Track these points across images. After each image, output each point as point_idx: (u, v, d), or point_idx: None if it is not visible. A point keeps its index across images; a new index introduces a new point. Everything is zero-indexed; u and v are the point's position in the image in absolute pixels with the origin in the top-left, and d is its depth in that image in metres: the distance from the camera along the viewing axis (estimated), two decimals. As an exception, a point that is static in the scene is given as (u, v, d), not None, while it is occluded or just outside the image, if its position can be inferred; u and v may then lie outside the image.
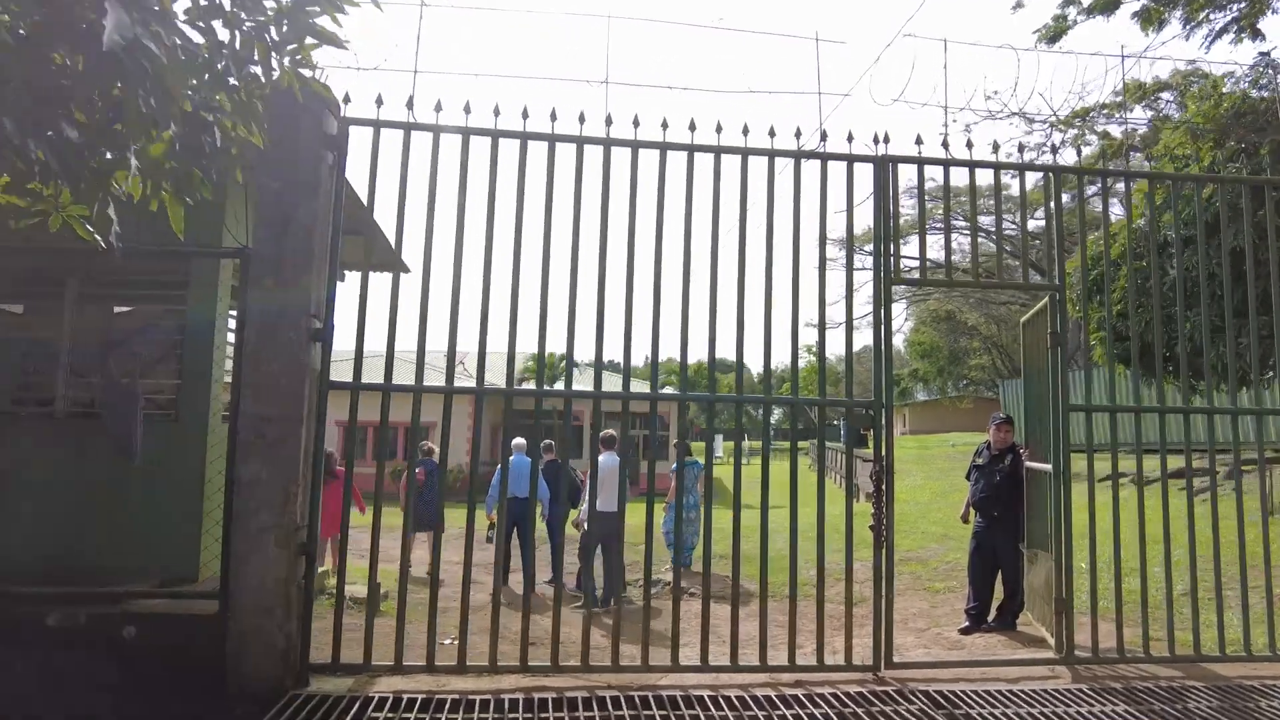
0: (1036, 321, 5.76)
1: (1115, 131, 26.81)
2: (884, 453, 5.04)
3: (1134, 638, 5.14)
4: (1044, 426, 5.53)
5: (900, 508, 15.81)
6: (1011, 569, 6.56)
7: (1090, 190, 27.83)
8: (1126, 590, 5.09)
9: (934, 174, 5.25)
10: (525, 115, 4.70)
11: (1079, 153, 6.73)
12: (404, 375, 4.83)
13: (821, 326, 5.25)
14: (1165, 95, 26.21)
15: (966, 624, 6.72)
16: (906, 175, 11.49)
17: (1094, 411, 5.05)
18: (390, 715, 3.94)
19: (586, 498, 7.92)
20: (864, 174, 5.09)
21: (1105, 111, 26.94)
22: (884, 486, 5.00)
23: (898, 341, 53.62)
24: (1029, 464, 6.08)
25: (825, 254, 5.00)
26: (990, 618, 6.70)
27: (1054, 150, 5.25)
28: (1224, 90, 13.92)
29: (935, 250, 40.04)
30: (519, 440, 10.73)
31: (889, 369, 5.02)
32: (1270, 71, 13.44)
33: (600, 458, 8.67)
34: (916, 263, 35.10)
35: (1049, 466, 5.24)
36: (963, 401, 49.75)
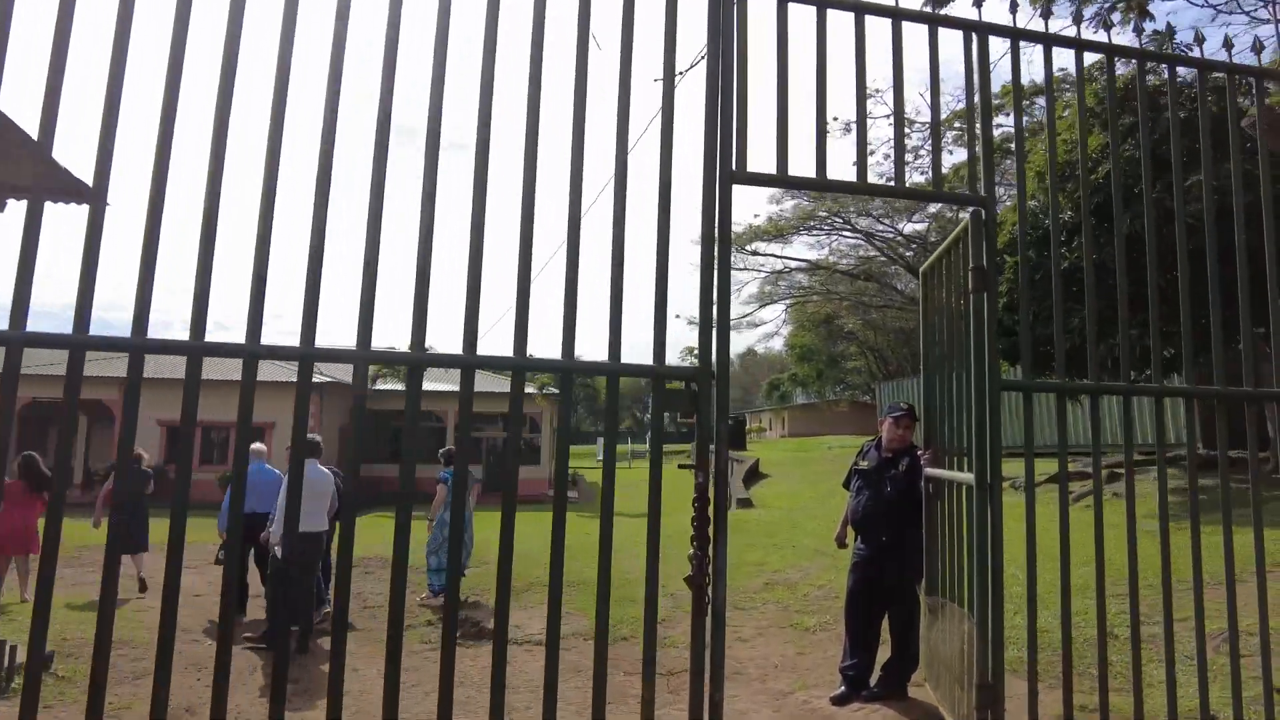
0: (944, 265, 3.93)
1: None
2: (716, 456, 3.02)
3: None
4: (957, 417, 3.70)
5: (772, 515, 14.23)
6: (904, 618, 4.74)
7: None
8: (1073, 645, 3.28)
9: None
10: None
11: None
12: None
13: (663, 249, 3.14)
14: (1040, 100, 26.05)
15: (841, 689, 4.85)
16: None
17: (1037, 391, 3.21)
18: None
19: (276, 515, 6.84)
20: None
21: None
22: (711, 513, 3.00)
23: (777, 344, 53.20)
24: (930, 472, 4.25)
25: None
26: (873, 681, 4.85)
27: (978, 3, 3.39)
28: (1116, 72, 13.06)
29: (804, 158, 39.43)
30: (258, 446, 9.13)
31: (724, 319, 3.00)
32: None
33: (313, 468, 7.27)
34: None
35: (965, 476, 3.40)
36: (839, 404, 49.64)
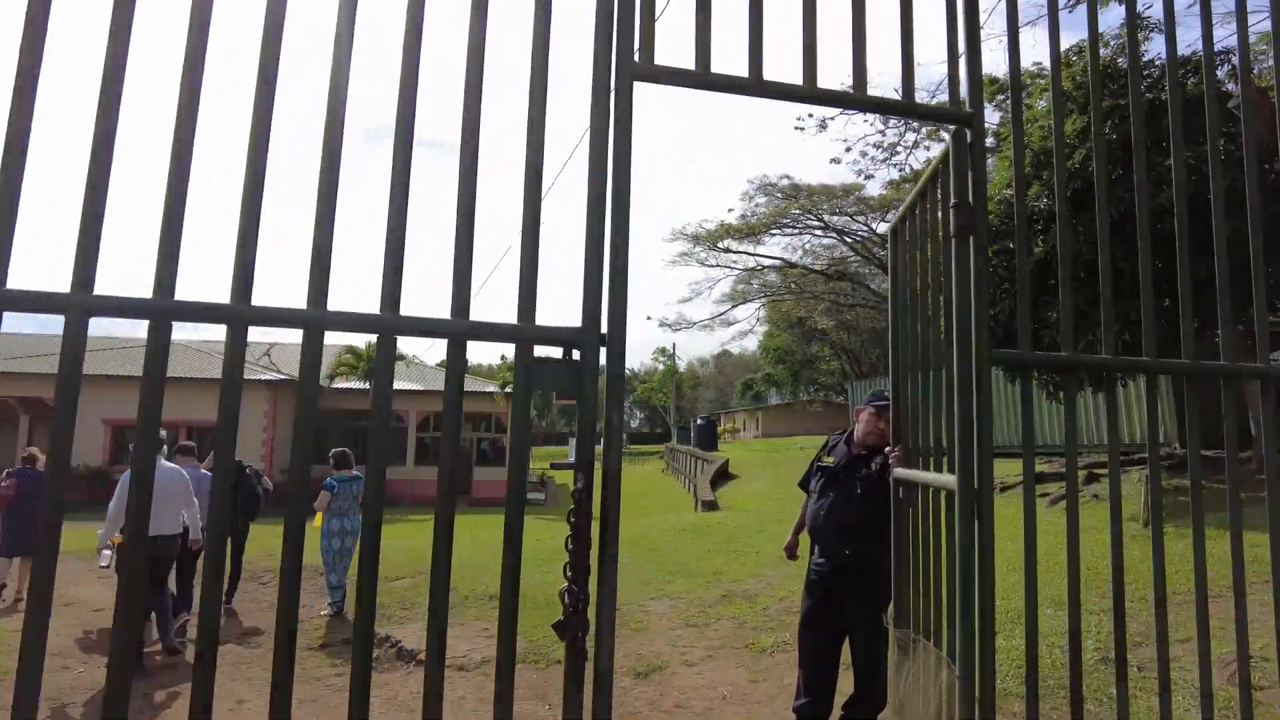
0: (919, 214, 3.12)
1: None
2: (609, 451, 2.19)
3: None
4: (934, 404, 2.89)
5: (737, 518, 13.45)
6: (869, 650, 3.94)
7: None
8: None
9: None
10: None
11: None
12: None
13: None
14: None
15: (795, 732, 4.05)
16: None
17: (1036, 366, 2.40)
18: None
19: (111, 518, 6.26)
20: None
21: (955, 108, 26.02)
22: (597, 533, 2.16)
23: (750, 344, 52.61)
24: (900, 473, 3.44)
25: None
26: (834, 722, 4.05)
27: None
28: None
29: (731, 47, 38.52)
30: (185, 443, 8.38)
31: (621, 262, 2.14)
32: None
33: (160, 466, 6.49)
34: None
35: (945, 478, 2.59)
36: (813, 405, 49.11)
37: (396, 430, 26.29)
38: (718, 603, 7.39)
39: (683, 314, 33.45)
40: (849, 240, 33.59)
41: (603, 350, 2.09)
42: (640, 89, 2.15)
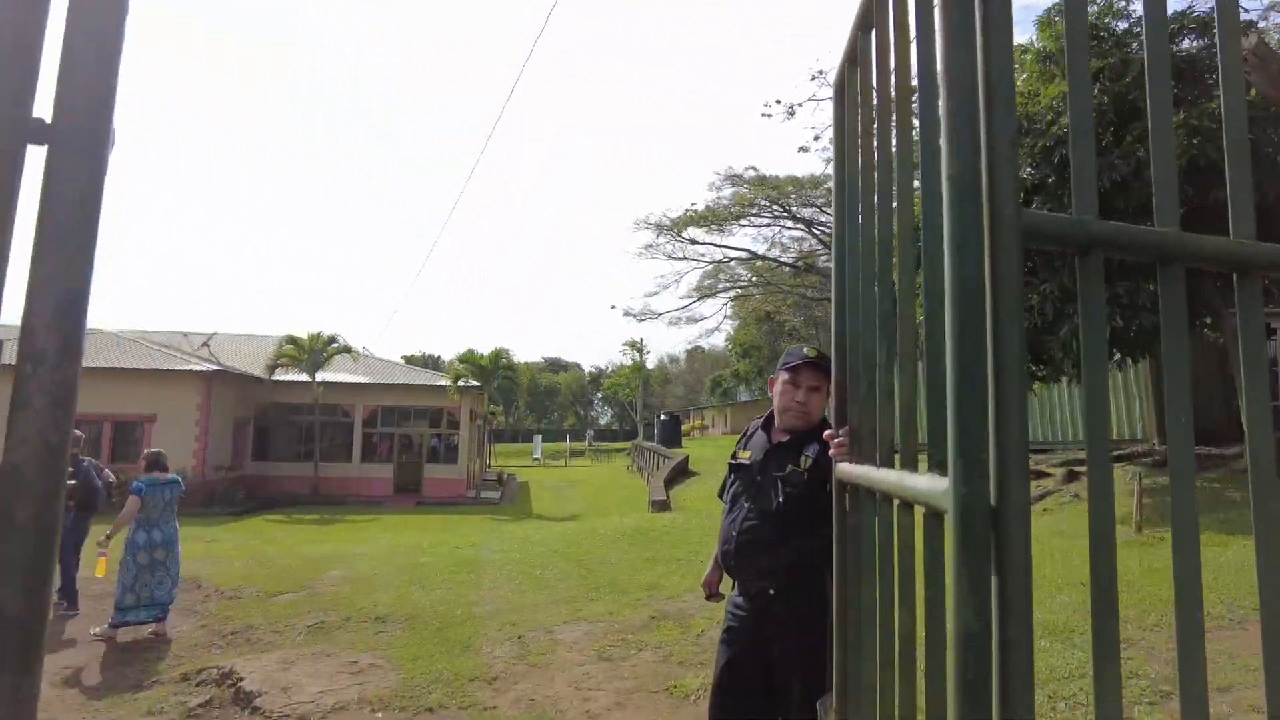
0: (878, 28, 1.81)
1: None
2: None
3: None
4: (902, 354, 1.56)
5: (686, 520, 12.17)
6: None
7: None
8: None
9: None
10: None
11: None
12: None
13: None
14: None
15: None
16: None
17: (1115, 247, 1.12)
18: None
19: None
20: None
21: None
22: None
23: (718, 340, 51.50)
24: (845, 470, 2.11)
25: None
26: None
27: None
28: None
29: None
30: None
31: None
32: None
33: None
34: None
35: (923, 482, 1.29)
36: (782, 402, 48.28)
37: (342, 425, 24.75)
38: (643, 627, 6.10)
39: (649, 306, 31.87)
40: (817, 233, 32.46)
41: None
42: None
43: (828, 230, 32.79)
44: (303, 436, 24.37)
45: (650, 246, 31.08)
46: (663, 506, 13.00)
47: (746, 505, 2.82)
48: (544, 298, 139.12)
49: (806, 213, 31.99)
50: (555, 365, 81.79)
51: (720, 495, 3.20)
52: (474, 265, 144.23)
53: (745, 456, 2.93)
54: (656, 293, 32.02)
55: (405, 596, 7.19)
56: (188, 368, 21.06)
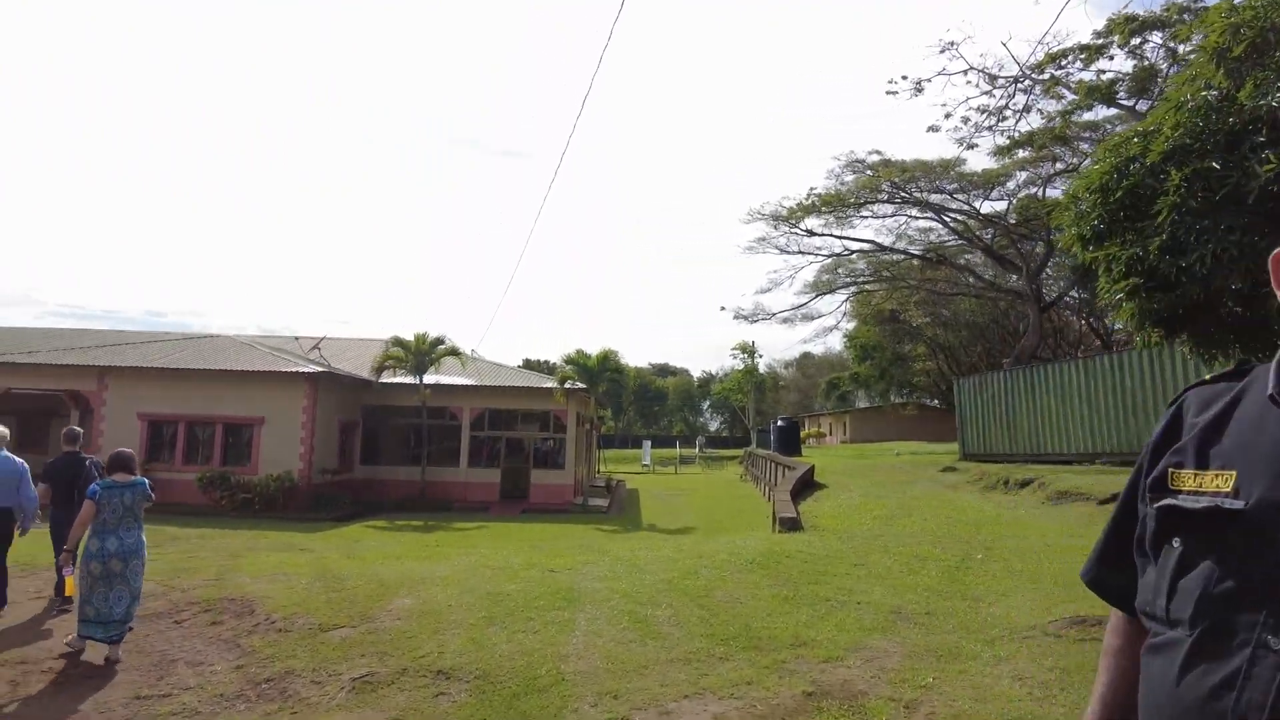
0: None
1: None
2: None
3: None
4: None
5: (826, 544, 10.14)
6: None
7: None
8: None
9: None
10: None
11: None
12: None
13: None
14: (1155, 37, 21.29)
15: None
16: None
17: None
18: None
19: None
20: None
21: (1083, 56, 21.93)
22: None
23: (834, 342, 48.66)
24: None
25: None
26: None
27: None
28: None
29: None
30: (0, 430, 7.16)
31: None
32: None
33: None
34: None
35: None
36: (907, 408, 44.78)
37: (449, 428, 23.90)
38: (798, 711, 4.25)
39: (761, 305, 29.65)
40: (948, 220, 29.51)
41: None
42: None
43: (959, 217, 29.79)
44: (410, 439, 23.66)
45: (763, 240, 28.95)
46: (792, 525, 11.04)
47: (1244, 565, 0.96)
48: (651, 302, 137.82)
49: (935, 200, 29.10)
50: (663, 370, 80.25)
51: (1092, 580, 1.32)
52: (579, 269, 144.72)
53: (1223, 485, 1.05)
54: (769, 289, 29.62)
55: (479, 640, 5.61)
56: (294, 369, 20.60)
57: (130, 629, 6.08)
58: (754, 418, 45.53)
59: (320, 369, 20.86)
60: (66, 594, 6.45)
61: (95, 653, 5.91)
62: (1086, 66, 20.97)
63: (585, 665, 5.04)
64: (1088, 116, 22.92)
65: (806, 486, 16.12)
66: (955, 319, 39.90)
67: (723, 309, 28.25)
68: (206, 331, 33.61)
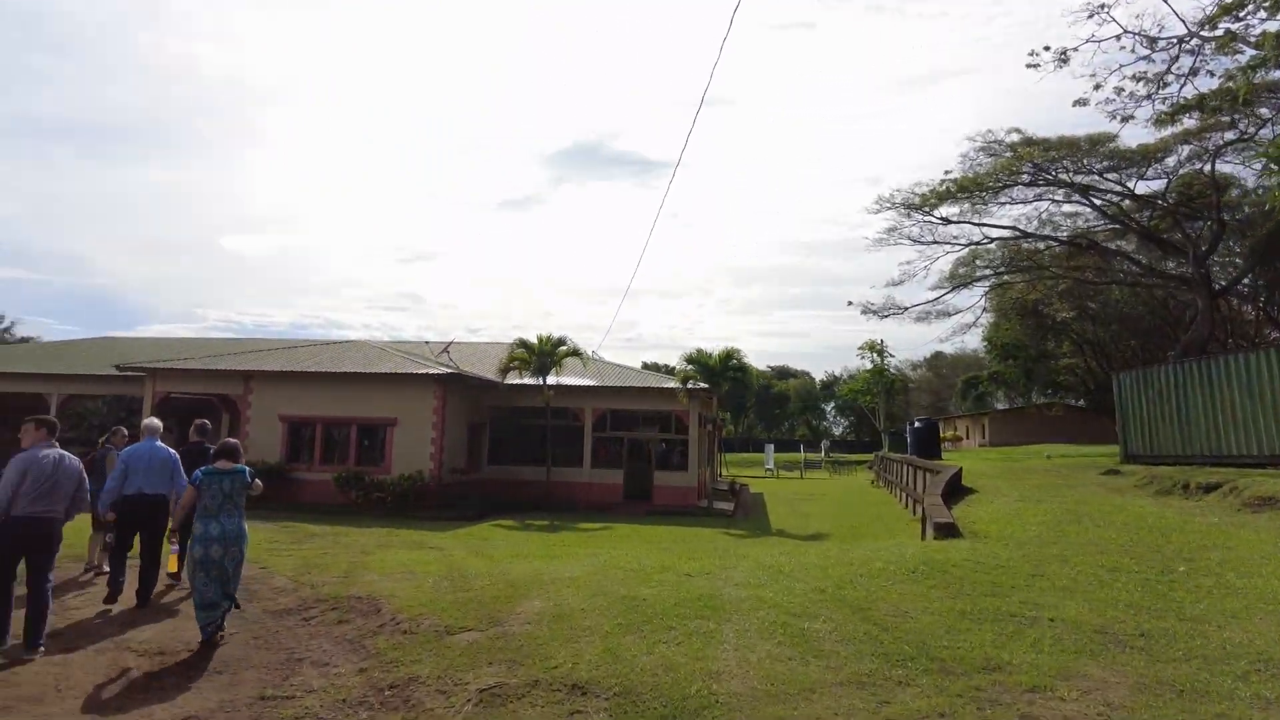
0: None
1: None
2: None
3: None
4: None
5: (994, 551, 8.91)
6: None
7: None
8: None
9: None
10: None
11: None
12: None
13: None
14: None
15: None
16: None
17: None
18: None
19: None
20: None
21: (1267, 4, 19.37)
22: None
23: (972, 340, 45.83)
24: None
25: None
26: None
27: None
28: None
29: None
30: (151, 421, 7.73)
31: None
32: None
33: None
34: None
35: None
36: (1053, 409, 41.49)
37: (573, 429, 23.72)
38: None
39: (893, 299, 27.86)
40: (1097, 202, 26.92)
41: None
42: None
43: (1111, 199, 27.13)
44: (535, 440, 23.63)
45: (893, 230, 27.27)
46: (949, 531, 9.93)
47: None
48: (768, 302, 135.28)
49: (1083, 181, 26.62)
50: (782, 373, 78.22)
51: None
52: (695, 273, 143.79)
53: None
54: (900, 282, 27.60)
55: (617, 651, 5.00)
56: (424, 371, 20.91)
57: (237, 606, 6.26)
58: (884, 420, 43.29)
59: (449, 370, 21.10)
60: (170, 570, 6.72)
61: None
62: (1273, 15, 18.45)
63: (741, 685, 4.32)
64: (1274, 75, 20.22)
65: (955, 491, 14.78)
66: (1104, 311, 36.61)
67: (851, 304, 26.79)
68: (347, 338, 35.00)
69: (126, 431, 8.84)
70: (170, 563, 6.61)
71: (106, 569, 7.58)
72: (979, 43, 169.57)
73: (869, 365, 44.03)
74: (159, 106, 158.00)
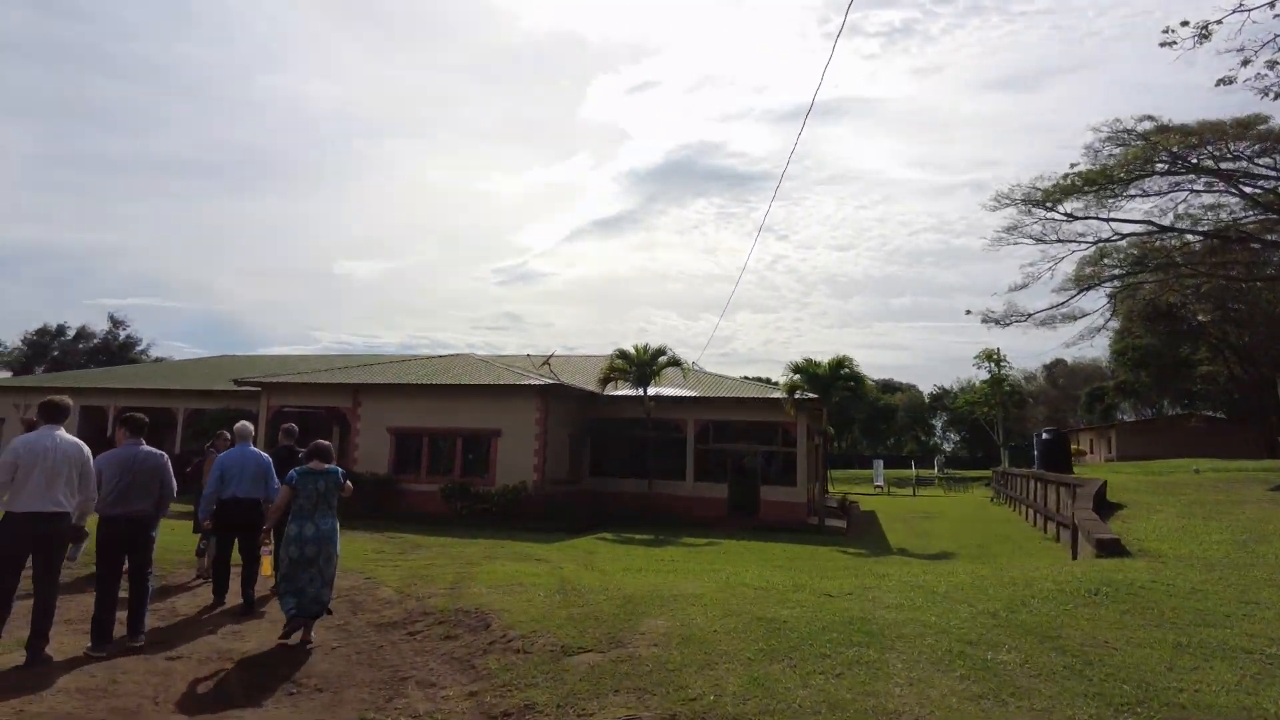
0: None
1: None
2: None
3: None
4: None
5: (1178, 574, 7.64)
6: None
7: None
8: None
9: None
10: None
11: None
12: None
13: None
14: None
15: None
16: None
17: None
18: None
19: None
20: None
21: None
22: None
23: (1100, 348, 42.69)
24: None
25: None
26: None
27: None
28: None
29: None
30: (244, 425, 7.67)
31: None
32: None
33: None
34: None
35: None
36: (1190, 420, 38.05)
37: (674, 441, 23.02)
38: None
39: (1014, 305, 25.74)
40: (1248, 191, 24.37)
41: None
42: None
43: (1261, 187, 24.49)
44: (635, 452, 23.05)
45: (1012, 229, 25.45)
46: (1113, 549, 8.70)
47: None
48: (869, 313, 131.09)
49: (1228, 168, 24.16)
50: (887, 386, 75.30)
51: None
52: (791, 286, 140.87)
53: None
54: (1022, 285, 25.52)
55: (764, 681, 4.24)
56: (525, 382, 20.70)
57: (329, 613, 6.16)
58: (1002, 434, 40.60)
59: (550, 381, 20.82)
60: (264, 574, 6.60)
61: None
62: None
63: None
64: None
65: (1100, 507, 13.31)
66: (1251, 312, 33.27)
67: (969, 312, 24.90)
68: (453, 351, 35.53)
69: (229, 435, 8.77)
70: (264, 565, 6.52)
71: (211, 575, 7.50)
72: (1089, 38, 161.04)
73: (985, 376, 41.49)
74: (275, 142, 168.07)
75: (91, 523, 5.65)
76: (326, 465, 6.18)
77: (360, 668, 5.43)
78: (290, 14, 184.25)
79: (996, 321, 27.33)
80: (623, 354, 22.25)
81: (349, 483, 6.34)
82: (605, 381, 22.18)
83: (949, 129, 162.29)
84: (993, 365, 39.77)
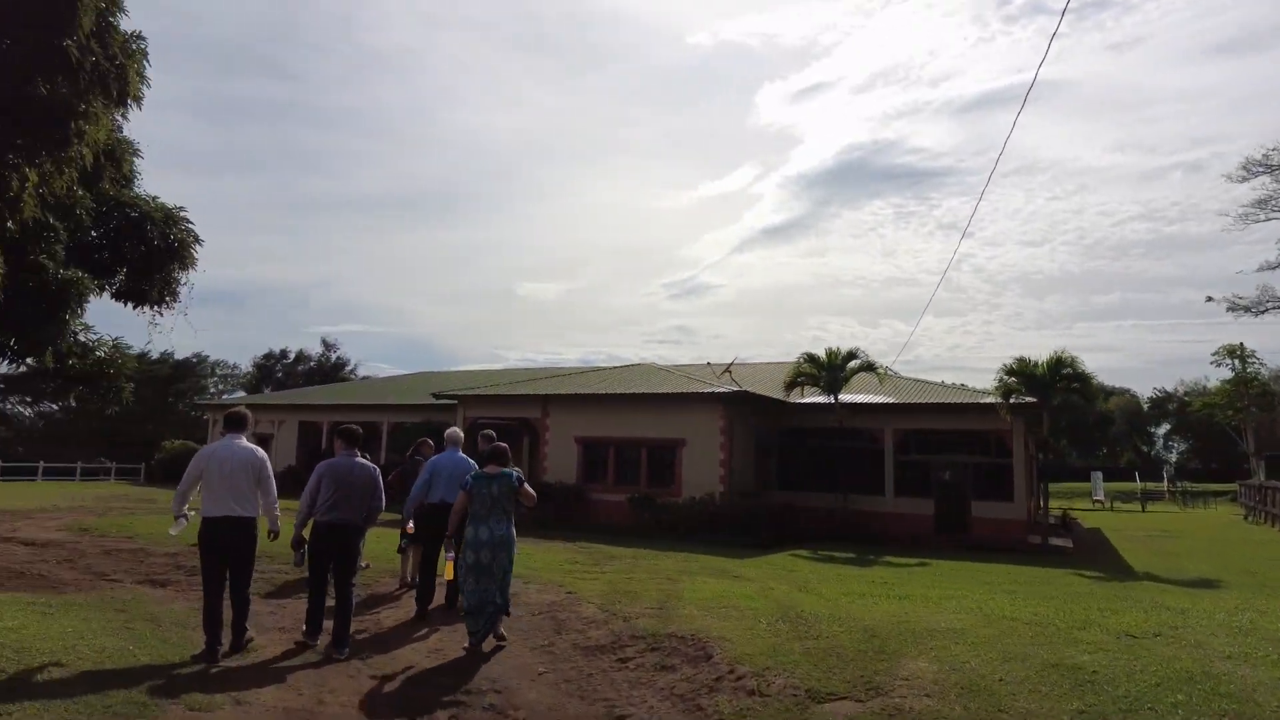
0: None
1: None
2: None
3: None
4: None
5: None
6: None
7: None
8: None
9: None
10: None
11: None
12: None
13: None
14: None
15: None
16: None
17: None
18: None
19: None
20: None
21: None
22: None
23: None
24: None
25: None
26: None
27: None
28: None
29: None
30: (454, 431, 7.71)
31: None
32: None
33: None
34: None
35: None
36: None
37: (870, 452, 21.41)
38: None
39: (1268, 287, 21.77)
40: None
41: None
42: None
43: None
44: (826, 463, 21.67)
45: (1264, 202, 21.73)
46: None
47: None
48: (1068, 313, 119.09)
49: None
50: (1099, 392, 67.87)
51: None
52: (980, 287, 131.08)
53: None
54: (1278, 265, 21.38)
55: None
56: (708, 390, 19.99)
57: (507, 614, 6.07)
58: (1253, 442, 34.87)
59: (734, 389, 19.98)
60: (446, 578, 6.53)
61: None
62: None
63: None
64: None
65: None
66: None
67: (1210, 299, 21.33)
68: (635, 360, 35.67)
69: (432, 443, 8.74)
70: (447, 570, 6.37)
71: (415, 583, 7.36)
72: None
73: (1226, 375, 35.80)
74: (458, 173, 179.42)
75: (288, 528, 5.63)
76: (501, 469, 6.03)
77: (571, 699, 4.81)
78: (468, 52, 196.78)
79: (1247, 309, 23.50)
80: (810, 358, 20.97)
81: (527, 487, 6.08)
82: (790, 387, 20.99)
83: (1152, 106, 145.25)
84: (1236, 362, 34.23)
